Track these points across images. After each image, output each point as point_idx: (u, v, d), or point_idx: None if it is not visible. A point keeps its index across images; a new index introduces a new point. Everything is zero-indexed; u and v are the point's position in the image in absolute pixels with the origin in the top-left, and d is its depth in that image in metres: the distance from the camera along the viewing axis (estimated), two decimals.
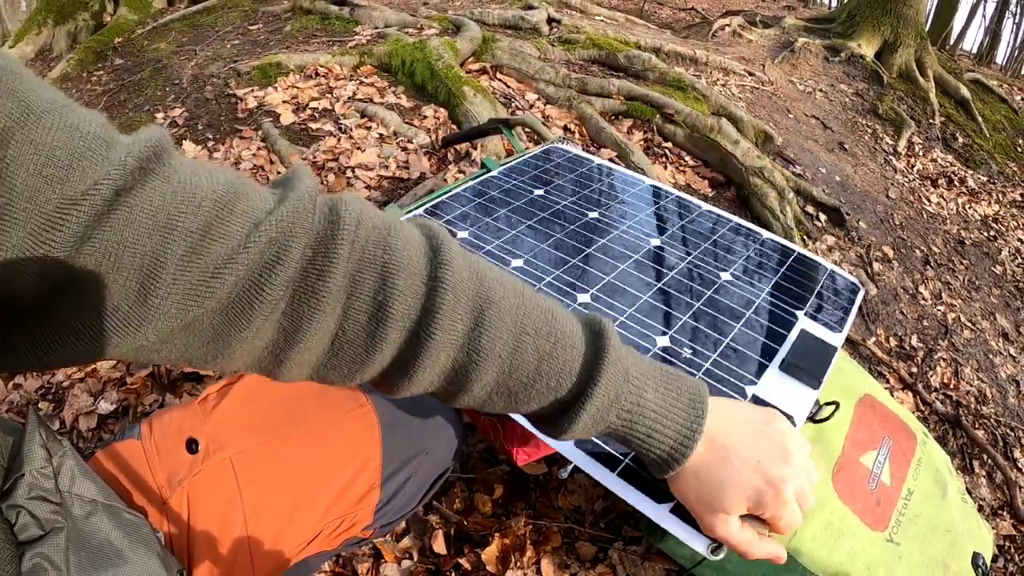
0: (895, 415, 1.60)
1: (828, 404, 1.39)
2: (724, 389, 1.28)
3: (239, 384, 1.08)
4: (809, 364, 1.34)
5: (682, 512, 0.98)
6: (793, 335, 1.44)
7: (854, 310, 1.60)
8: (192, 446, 0.97)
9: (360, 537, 1.14)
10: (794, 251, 1.80)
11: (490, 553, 1.66)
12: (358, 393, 1.12)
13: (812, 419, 1.37)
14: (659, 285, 1.55)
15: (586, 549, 1.75)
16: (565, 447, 1.14)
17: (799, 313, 1.53)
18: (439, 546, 1.69)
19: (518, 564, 1.66)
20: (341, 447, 1.06)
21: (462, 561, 1.66)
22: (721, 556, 0.94)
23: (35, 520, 0.70)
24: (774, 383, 1.31)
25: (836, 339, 1.46)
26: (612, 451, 1.13)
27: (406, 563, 1.67)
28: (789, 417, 1.23)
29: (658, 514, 1.02)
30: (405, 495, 1.14)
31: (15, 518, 0.68)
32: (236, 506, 0.95)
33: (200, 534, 0.93)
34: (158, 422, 1.02)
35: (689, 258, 1.68)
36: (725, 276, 1.63)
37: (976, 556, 1.50)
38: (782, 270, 1.69)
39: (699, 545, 0.95)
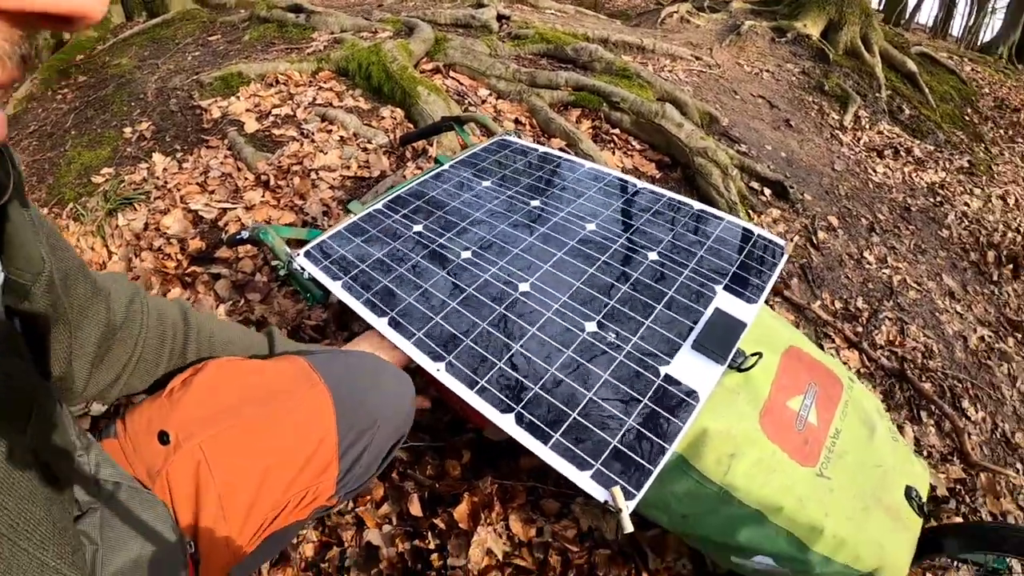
0: (820, 363, 1.75)
1: (752, 355, 1.55)
2: (640, 370, 1.45)
3: (201, 375, 1.17)
4: (717, 343, 1.52)
5: (599, 479, 1.23)
6: (708, 312, 1.61)
7: (775, 273, 1.76)
8: (163, 438, 1.06)
9: (327, 506, 1.25)
10: (722, 220, 1.95)
11: (461, 512, 1.80)
12: (311, 372, 1.23)
13: (738, 368, 1.53)
14: (591, 271, 1.72)
15: (550, 505, 1.90)
16: (509, 426, 1.33)
17: (717, 288, 1.69)
18: (415, 509, 1.83)
19: (488, 520, 1.80)
20: (299, 426, 1.16)
21: (437, 521, 1.80)
22: (613, 509, 1.18)
23: (75, 502, 0.83)
24: (685, 361, 1.49)
25: (749, 312, 1.63)
26: (544, 428, 1.32)
27: (387, 528, 1.81)
28: (694, 393, 1.41)
29: (581, 479, 1.24)
30: (363, 465, 1.25)
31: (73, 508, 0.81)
32: (210, 487, 1.05)
33: (183, 516, 1.04)
34: (130, 419, 1.12)
35: (621, 240, 1.84)
36: (652, 256, 1.78)
37: (909, 489, 1.64)
38: (708, 242, 1.85)
39: (599, 496, 1.20)
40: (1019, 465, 2.68)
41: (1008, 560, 1.79)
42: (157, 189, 2.92)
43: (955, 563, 2.10)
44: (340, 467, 1.19)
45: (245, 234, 1.82)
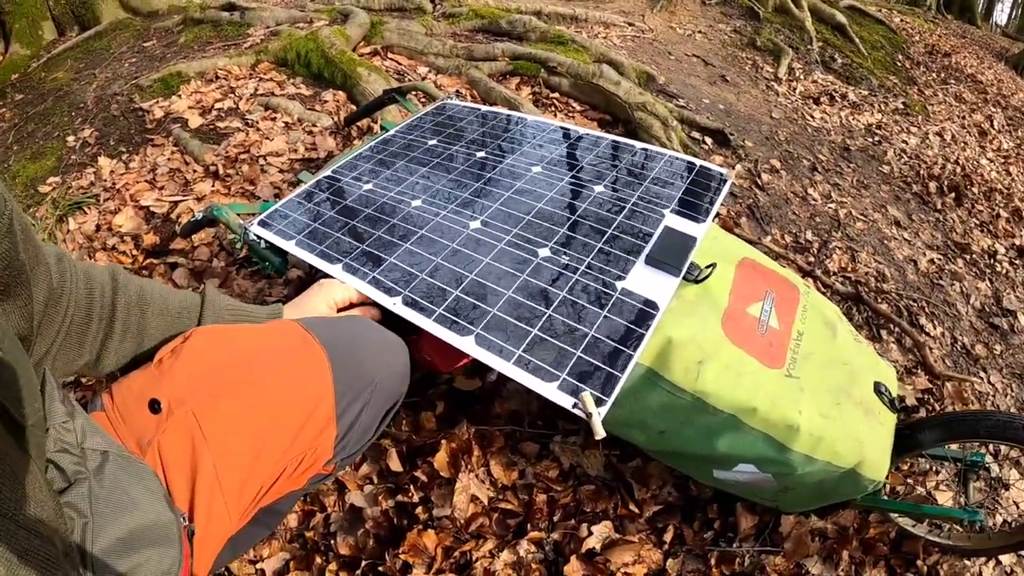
0: (775, 272, 1.80)
1: (708, 266, 1.59)
2: (597, 287, 1.49)
3: (189, 342, 1.13)
4: (670, 256, 1.56)
5: (566, 388, 1.26)
6: (659, 231, 1.65)
7: (721, 197, 1.81)
8: (155, 406, 1.02)
9: (323, 473, 1.22)
10: (664, 155, 1.99)
11: (441, 459, 1.81)
12: (306, 333, 1.20)
13: (695, 280, 1.57)
14: (540, 205, 1.75)
15: (529, 447, 1.93)
16: (469, 347, 1.36)
17: (665, 211, 1.73)
18: (395, 464, 1.84)
19: (468, 466, 1.82)
20: (295, 386, 1.13)
21: (418, 474, 1.81)
22: (583, 414, 1.21)
23: (61, 472, 0.79)
24: (641, 276, 1.53)
25: (699, 230, 1.67)
26: (506, 346, 1.35)
27: (368, 488, 1.82)
28: (653, 303, 1.45)
29: (547, 390, 1.27)
30: (361, 426, 1.22)
31: (44, 471, 0.76)
32: (204, 454, 1.01)
33: (176, 486, 1.00)
34: (117, 390, 1.08)
35: (567, 177, 1.87)
36: (599, 188, 1.83)
37: (878, 385, 1.69)
38: (652, 175, 1.89)
39: (567, 403, 1.24)
40: (982, 374, 2.76)
41: (985, 453, 1.85)
42: (106, 191, 2.90)
43: (933, 467, 2.16)
44: (338, 429, 1.17)
45: (200, 216, 1.83)
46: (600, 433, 1.18)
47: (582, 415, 1.21)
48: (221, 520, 1.03)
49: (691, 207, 1.75)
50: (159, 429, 1.01)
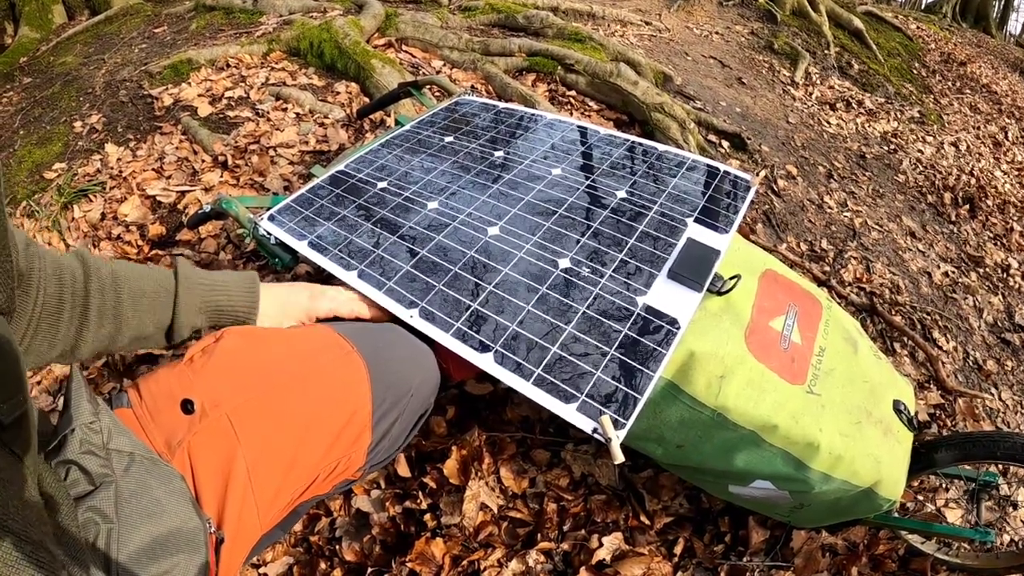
0: (798, 285, 1.76)
1: (731, 278, 1.55)
2: (618, 301, 1.44)
3: (223, 342, 1.11)
4: (693, 271, 1.51)
5: (586, 410, 1.22)
6: (681, 243, 1.60)
7: (744, 206, 1.76)
8: (188, 406, 0.99)
9: (351, 479, 1.21)
10: (687, 158, 1.95)
11: (451, 466, 1.78)
12: (342, 340, 1.19)
13: (718, 292, 1.53)
14: (560, 211, 1.70)
15: (540, 455, 1.89)
16: (488, 366, 1.31)
17: (688, 221, 1.68)
18: (403, 470, 1.80)
19: (479, 473, 1.78)
20: (333, 393, 1.12)
21: (427, 480, 1.78)
22: (602, 438, 1.17)
23: (86, 475, 0.76)
24: (663, 290, 1.48)
25: (722, 241, 1.62)
26: (525, 364, 1.30)
27: (375, 492, 1.79)
28: (674, 320, 1.40)
29: (566, 412, 1.23)
30: (392, 436, 1.21)
31: (65, 474, 0.75)
32: (238, 459, 0.98)
33: (206, 491, 0.96)
34: (145, 387, 1.04)
35: (588, 181, 1.83)
36: (621, 194, 1.78)
37: (897, 403, 1.65)
38: (675, 180, 1.84)
39: (587, 427, 1.20)
40: (993, 390, 2.72)
41: (997, 473, 1.82)
42: (112, 179, 2.87)
43: (944, 484, 2.12)
44: (373, 437, 1.16)
45: (208, 208, 1.79)
46: (619, 458, 1.15)
47: (601, 439, 1.18)
48: (252, 527, 1.00)
49: (714, 216, 1.70)
50: (191, 431, 0.98)
